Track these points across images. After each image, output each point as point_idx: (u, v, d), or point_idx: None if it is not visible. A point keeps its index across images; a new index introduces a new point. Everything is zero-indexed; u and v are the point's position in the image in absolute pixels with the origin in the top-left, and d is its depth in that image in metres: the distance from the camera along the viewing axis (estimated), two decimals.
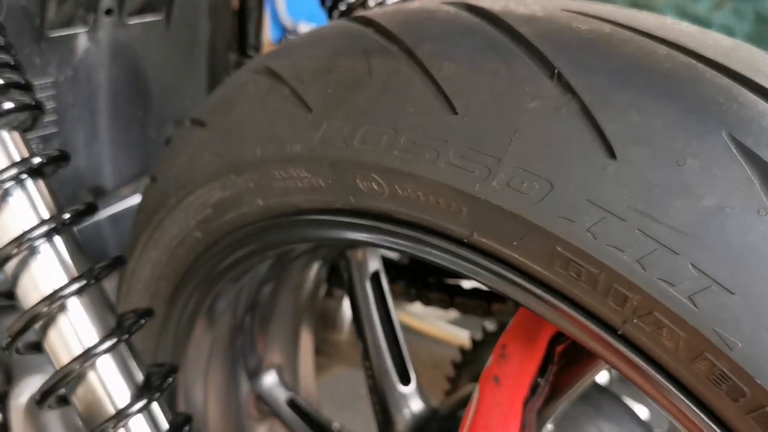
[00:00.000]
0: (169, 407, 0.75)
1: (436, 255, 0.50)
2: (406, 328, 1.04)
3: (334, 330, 1.11)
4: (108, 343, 0.55)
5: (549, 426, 0.65)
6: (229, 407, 0.89)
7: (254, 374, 0.90)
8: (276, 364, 0.92)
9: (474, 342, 0.93)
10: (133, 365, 0.57)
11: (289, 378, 0.94)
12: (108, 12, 0.88)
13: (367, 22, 0.55)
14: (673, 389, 0.41)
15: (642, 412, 0.77)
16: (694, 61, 0.43)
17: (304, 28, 3.18)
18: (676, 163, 0.39)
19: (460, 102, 0.46)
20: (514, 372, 0.53)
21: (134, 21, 0.92)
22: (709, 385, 0.39)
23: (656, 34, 0.45)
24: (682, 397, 0.41)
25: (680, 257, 0.38)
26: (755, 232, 0.37)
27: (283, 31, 3.20)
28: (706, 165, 0.39)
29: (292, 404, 0.90)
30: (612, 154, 0.41)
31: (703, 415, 0.41)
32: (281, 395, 0.91)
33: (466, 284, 0.94)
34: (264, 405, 0.91)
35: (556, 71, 0.44)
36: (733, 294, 0.37)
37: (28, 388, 1.00)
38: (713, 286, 0.37)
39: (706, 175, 0.39)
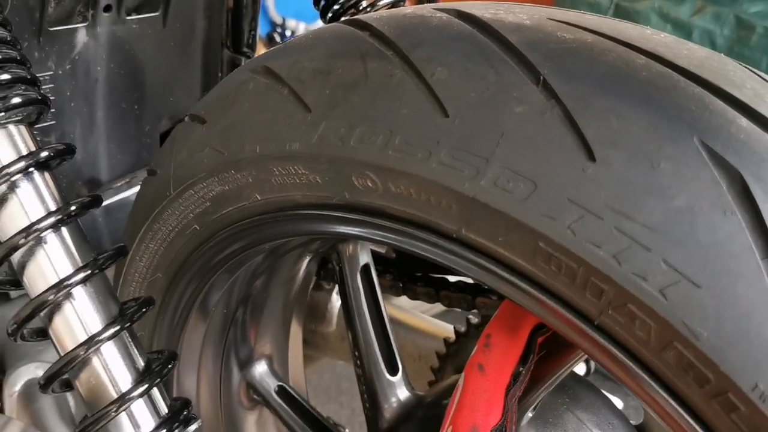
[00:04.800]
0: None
1: (426, 249, 0.53)
2: (393, 321, 1.07)
3: (323, 322, 1.14)
4: (111, 330, 0.57)
5: (529, 414, 0.68)
6: (221, 396, 0.91)
7: (245, 364, 0.93)
8: (266, 354, 0.94)
9: (458, 334, 0.96)
10: (135, 352, 0.59)
11: (279, 368, 0.97)
12: (107, 8, 0.90)
13: (364, 26, 0.58)
14: (645, 376, 0.44)
15: (619, 402, 0.81)
16: (669, 71, 0.46)
17: (292, 24, 3.20)
18: (650, 165, 0.43)
19: (451, 105, 0.49)
20: (497, 360, 0.56)
21: (132, 17, 0.94)
22: (677, 373, 0.42)
23: (635, 44, 0.48)
24: (654, 384, 0.44)
25: (652, 253, 0.41)
26: (721, 231, 0.40)
27: (272, 26, 3.21)
28: (678, 168, 0.42)
29: (282, 393, 0.92)
30: (591, 157, 0.44)
31: (672, 401, 0.44)
32: (271, 384, 0.93)
33: (452, 278, 0.97)
34: (255, 394, 0.93)
35: (541, 78, 0.47)
36: (700, 288, 0.40)
37: (21, 377, 1.02)
38: (682, 280, 0.41)
39: (677, 177, 0.42)
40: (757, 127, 0.42)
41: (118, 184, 1.05)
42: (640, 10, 1.71)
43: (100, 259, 0.58)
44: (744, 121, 0.43)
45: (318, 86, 0.56)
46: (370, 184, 0.53)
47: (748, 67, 0.49)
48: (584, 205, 0.43)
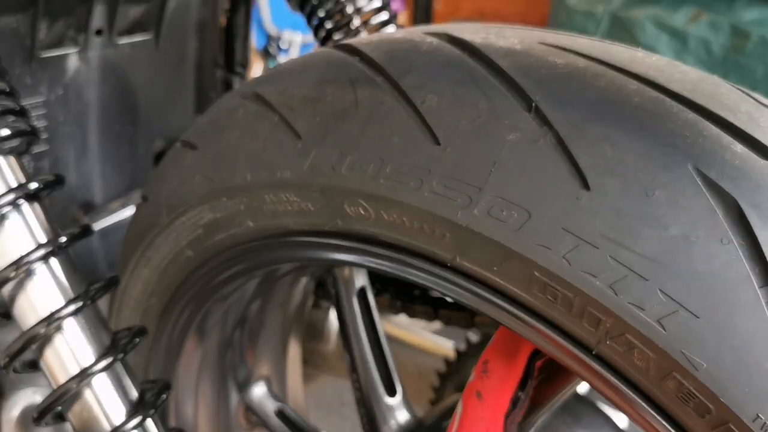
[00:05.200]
0: (161, 421, 0.76)
1: (420, 276, 0.53)
2: (392, 339, 1.07)
3: (321, 340, 1.13)
4: (104, 363, 0.57)
5: None
6: (219, 419, 0.91)
7: (243, 386, 0.92)
8: (265, 375, 0.94)
9: (458, 353, 0.96)
10: (128, 383, 0.59)
11: (278, 389, 0.96)
12: (98, 32, 0.90)
13: (353, 51, 0.57)
14: (645, 406, 0.44)
15: (621, 420, 0.80)
16: (662, 96, 0.45)
17: (288, 35, 3.20)
18: (645, 193, 0.42)
19: (442, 133, 0.48)
20: (495, 387, 0.55)
21: (124, 41, 0.93)
22: (677, 403, 0.42)
23: (628, 68, 0.48)
24: (654, 413, 0.43)
25: (649, 283, 0.41)
26: (718, 260, 0.40)
27: (268, 38, 3.21)
28: (673, 196, 0.41)
29: (281, 414, 0.92)
30: (586, 185, 0.43)
31: (673, 431, 0.43)
32: (270, 406, 0.92)
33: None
34: (253, 416, 0.92)
35: (533, 104, 0.46)
36: (698, 318, 0.40)
37: (19, 401, 1.01)
38: (680, 310, 0.40)
39: (673, 206, 0.41)
40: (753, 153, 0.42)
41: (113, 206, 1.04)
42: (635, 19, 1.70)
43: (91, 291, 0.58)
44: (738, 147, 0.42)
45: (308, 113, 0.56)
46: (362, 212, 0.52)
47: (741, 89, 0.48)
48: (579, 234, 0.43)
